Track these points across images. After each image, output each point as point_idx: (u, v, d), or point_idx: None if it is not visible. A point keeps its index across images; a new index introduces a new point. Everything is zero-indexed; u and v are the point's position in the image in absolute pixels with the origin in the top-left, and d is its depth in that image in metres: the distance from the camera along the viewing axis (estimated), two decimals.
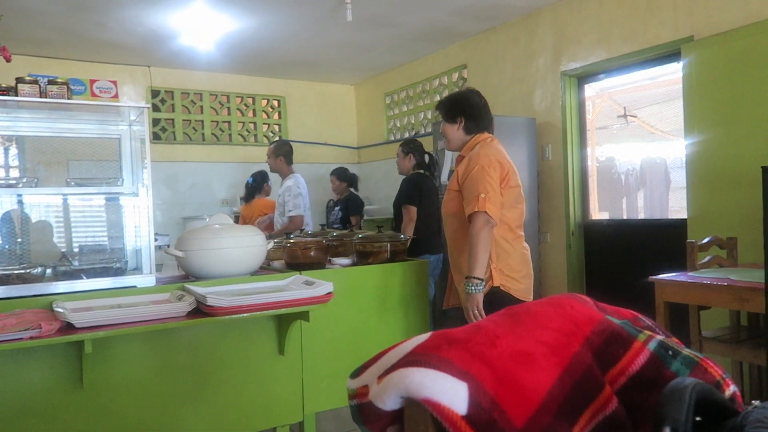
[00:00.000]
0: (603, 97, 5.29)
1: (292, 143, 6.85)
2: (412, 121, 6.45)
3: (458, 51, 5.67)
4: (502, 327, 0.78)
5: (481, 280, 2.35)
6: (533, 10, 4.75)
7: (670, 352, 0.73)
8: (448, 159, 4.51)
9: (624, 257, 4.32)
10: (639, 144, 5.25)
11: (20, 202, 2.75)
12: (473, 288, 2.35)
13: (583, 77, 4.59)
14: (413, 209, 4.12)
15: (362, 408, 0.79)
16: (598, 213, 4.78)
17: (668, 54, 3.92)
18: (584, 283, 4.60)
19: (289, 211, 4.60)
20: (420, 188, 4.18)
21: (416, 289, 2.98)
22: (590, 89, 4.75)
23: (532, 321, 0.79)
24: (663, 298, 2.71)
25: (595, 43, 4.32)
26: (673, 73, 4.09)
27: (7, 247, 2.65)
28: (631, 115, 4.89)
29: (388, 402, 0.72)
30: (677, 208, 4.52)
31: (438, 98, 6.02)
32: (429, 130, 6.05)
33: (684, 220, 3.74)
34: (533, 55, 4.83)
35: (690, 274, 2.78)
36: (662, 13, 3.87)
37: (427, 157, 4.34)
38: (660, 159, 5.10)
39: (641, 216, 5.21)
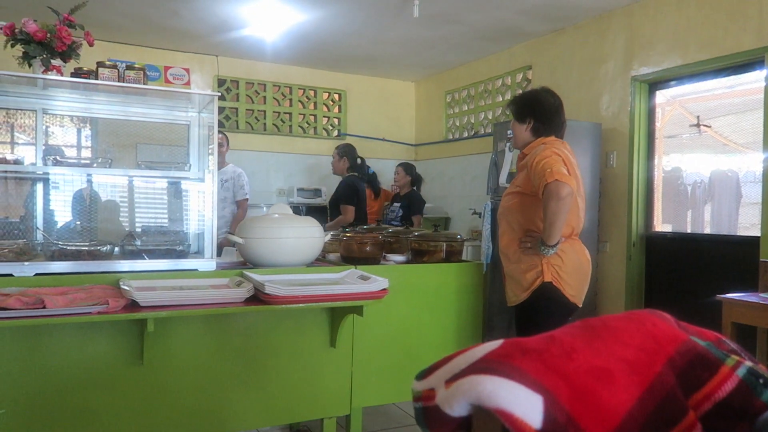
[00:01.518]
0: (674, 104, 5.07)
1: (350, 137, 6.92)
2: (472, 121, 6.38)
3: (524, 51, 5.56)
4: (578, 340, 0.75)
5: (554, 246, 2.34)
6: (605, 11, 4.60)
7: (761, 381, 0.69)
8: (508, 160, 4.44)
9: (688, 272, 4.15)
10: (709, 155, 5.01)
11: (90, 182, 2.87)
12: (546, 251, 2.35)
13: (654, 83, 4.42)
14: (351, 209, 4.52)
15: (427, 411, 0.77)
16: (661, 225, 4.60)
17: (749, 62, 3.72)
18: (643, 297, 4.44)
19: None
20: (356, 190, 4.66)
21: (471, 291, 2.94)
22: (661, 96, 4.57)
23: (610, 336, 0.76)
24: (731, 318, 2.58)
25: (669, 49, 4.15)
26: (753, 82, 3.88)
27: (79, 224, 2.77)
28: (704, 125, 4.67)
29: (457, 408, 0.71)
30: (747, 224, 4.29)
31: (501, 99, 5.93)
32: (489, 130, 5.97)
33: (756, 238, 3.55)
34: (603, 59, 4.69)
35: (762, 295, 2.64)
36: (745, 20, 3.67)
37: (359, 160, 4.92)
38: (731, 172, 4.85)
39: (707, 231, 4.98)
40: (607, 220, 4.60)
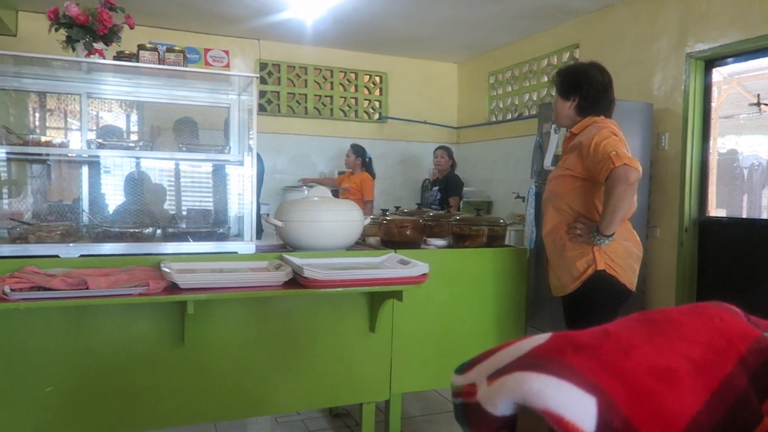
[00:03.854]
0: (731, 82, 4.81)
1: (391, 120, 6.85)
2: (516, 103, 6.21)
3: (570, 29, 5.36)
4: (636, 335, 0.68)
5: (610, 236, 2.22)
6: None
7: None
8: (553, 143, 4.29)
9: (744, 260, 3.94)
10: None
11: (137, 165, 2.90)
12: (600, 241, 2.23)
13: (711, 60, 4.18)
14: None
15: (467, 408, 0.72)
16: (715, 210, 4.38)
17: None
18: (695, 285, 4.25)
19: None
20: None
21: (513, 277, 2.86)
22: (717, 74, 4.33)
23: (673, 331, 0.68)
24: None
25: (728, 23, 3.91)
26: None
27: (123, 206, 2.81)
28: (764, 104, 4.41)
29: (500, 406, 0.65)
30: None
31: (546, 79, 5.75)
32: (534, 112, 5.80)
33: None
34: (655, 36, 4.46)
35: None
36: None
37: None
38: None
39: (765, 216, 4.73)
40: (657, 205, 4.42)
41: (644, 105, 4.35)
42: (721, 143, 4.57)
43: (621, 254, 2.29)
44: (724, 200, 4.65)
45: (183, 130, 3.09)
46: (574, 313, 2.40)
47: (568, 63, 5.43)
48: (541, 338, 0.71)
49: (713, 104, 4.30)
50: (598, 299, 2.30)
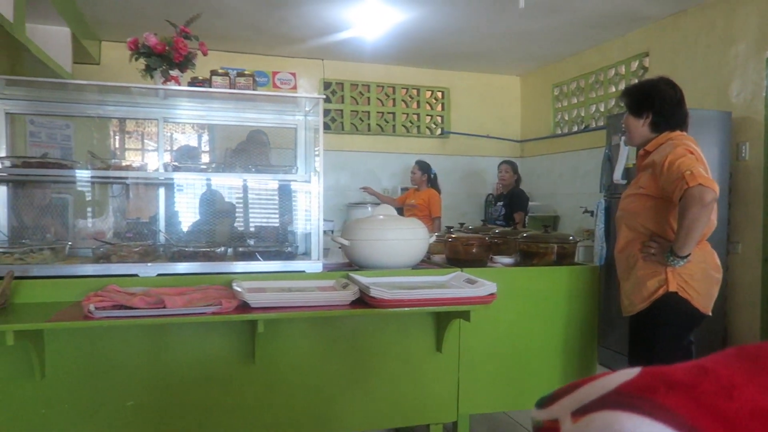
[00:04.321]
0: None
1: (454, 135, 6.82)
2: (582, 114, 6.05)
3: (639, 37, 5.18)
4: (737, 373, 0.64)
5: (685, 258, 2.12)
6: None
7: None
8: (623, 155, 4.13)
9: None
10: None
11: (207, 186, 3.01)
12: (674, 262, 2.14)
13: None
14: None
15: None
16: None
17: None
18: None
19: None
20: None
21: (584, 296, 2.76)
22: None
23: None
24: None
25: None
26: None
27: (196, 226, 2.91)
28: None
29: None
30: None
31: (614, 89, 5.58)
32: (601, 123, 5.63)
33: None
34: (732, 40, 4.25)
35: None
36: None
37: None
38: None
39: None
40: (738, 219, 4.17)
41: (722, 113, 4.13)
42: None
43: (697, 277, 2.19)
44: None
45: (255, 142, 3.19)
46: (639, 333, 2.31)
47: (638, 72, 5.25)
48: (628, 373, 0.67)
49: None
50: (666, 321, 2.21)
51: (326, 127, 6.44)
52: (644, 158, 2.35)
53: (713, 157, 3.97)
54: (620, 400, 0.64)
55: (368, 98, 6.62)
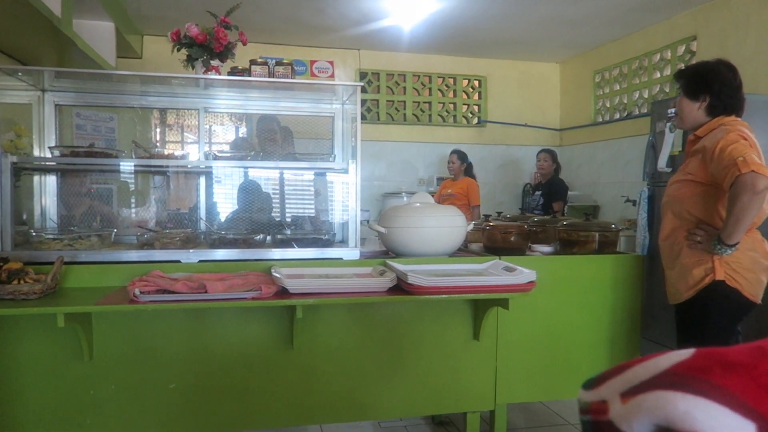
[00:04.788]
0: None
1: (491, 124, 6.74)
2: (625, 101, 5.89)
3: (686, 20, 5.01)
4: None
5: (733, 246, 2.06)
6: None
7: None
8: (668, 143, 4.01)
9: None
10: None
11: (246, 175, 3.05)
12: (721, 250, 2.07)
13: None
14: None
15: (599, 427, 0.67)
16: None
17: None
18: None
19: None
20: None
21: (627, 286, 2.70)
22: None
23: None
24: None
25: None
26: None
27: (236, 214, 2.96)
28: None
29: (637, 428, 0.60)
30: None
31: (659, 75, 5.41)
32: (645, 110, 5.47)
33: None
34: None
35: None
36: None
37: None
38: None
39: None
40: None
41: None
42: None
43: (746, 265, 2.12)
44: None
45: (267, 130, 3.20)
46: (686, 323, 2.25)
47: (684, 56, 5.07)
48: (682, 354, 0.65)
49: None
50: (714, 310, 2.15)
51: (362, 117, 6.44)
52: (694, 143, 2.27)
53: (765, 145, 3.82)
54: (673, 380, 0.62)
55: (404, 88, 6.59)
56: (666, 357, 0.67)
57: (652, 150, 4.31)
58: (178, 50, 2.64)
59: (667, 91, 5.24)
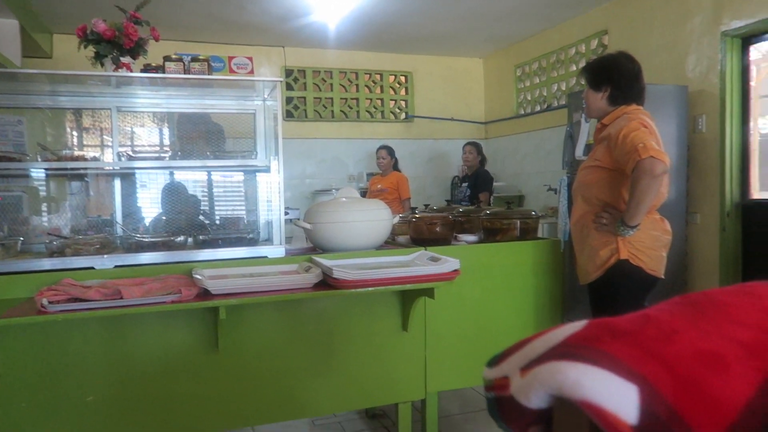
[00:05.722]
0: None
1: (418, 119, 6.82)
2: (544, 94, 6.10)
3: (598, 15, 5.24)
4: (679, 319, 0.64)
5: (634, 227, 2.18)
6: None
7: None
8: (584, 132, 4.19)
9: None
10: None
11: (171, 176, 2.94)
12: (624, 231, 2.20)
13: (748, 37, 4.02)
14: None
15: (501, 402, 0.68)
16: (758, 192, 4.21)
17: None
18: (740, 271, 4.09)
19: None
20: None
21: (548, 270, 2.79)
22: (756, 52, 4.16)
23: (719, 313, 0.64)
24: None
25: None
26: None
27: (153, 217, 2.84)
28: None
29: (534, 399, 0.61)
30: None
31: (574, 68, 5.63)
32: (563, 102, 5.69)
33: None
34: (687, 15, 4.32)
35: None
36: None
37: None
38: None
39: None
40: (696, 190, 4.27)
41: (678, 88, 4.21)
42: (762, 123, 4.39)
43: (647, 243, 2.26)
44: None
45: (188, 127, 3.10)
46: (598, 301, 2.38)
47: (597, 50, 5.31)
48: (576, 326, 0.67)
49: (752, 83, 4.14)
50: (622, 287, 2.27)
51: (289, 115, 6.36)
52: (600, 131, 2.38)
53: (671, 131, 4.05)
54: (566, 351, 0.64)
55: (331, 85, 6.56)
56: (561, 330, 0.69)
57: (570, 140, 4.49)
58: (85, 47, 2.51)
59: (583, 83, 5.46)
